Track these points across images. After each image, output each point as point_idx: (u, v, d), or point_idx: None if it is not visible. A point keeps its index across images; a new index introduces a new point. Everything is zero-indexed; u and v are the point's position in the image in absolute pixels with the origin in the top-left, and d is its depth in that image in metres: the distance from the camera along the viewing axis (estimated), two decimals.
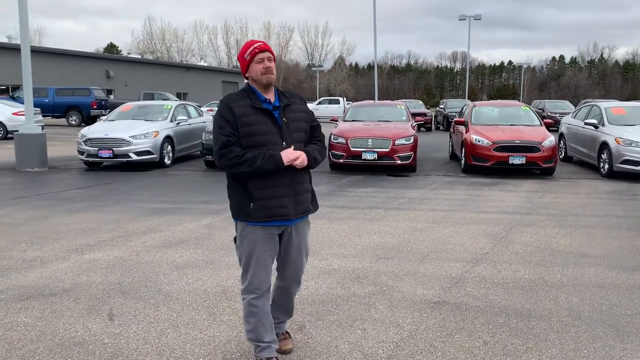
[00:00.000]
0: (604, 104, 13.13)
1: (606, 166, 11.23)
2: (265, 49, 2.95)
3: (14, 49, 33.14)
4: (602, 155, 11.45)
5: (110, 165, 12.77)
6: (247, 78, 3.03)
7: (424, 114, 27.87)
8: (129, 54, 66.03)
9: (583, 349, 3.54)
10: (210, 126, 13.04)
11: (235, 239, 3.11)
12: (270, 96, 3.02)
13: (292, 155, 2.91)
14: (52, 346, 3.53)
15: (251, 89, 3.01)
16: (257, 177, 2.91)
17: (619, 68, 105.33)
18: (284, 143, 2.94)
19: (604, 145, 11.34)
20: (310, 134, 3.17)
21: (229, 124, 2.90)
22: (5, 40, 39.37)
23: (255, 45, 2.96)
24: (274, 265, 3.17)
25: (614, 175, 11.09)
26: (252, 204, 2.94)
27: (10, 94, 30.69)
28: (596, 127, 11.97)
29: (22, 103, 18.63)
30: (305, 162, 2.98)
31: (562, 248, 5.92)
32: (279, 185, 2.95)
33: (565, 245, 6.02)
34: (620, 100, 29.70)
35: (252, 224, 2.98)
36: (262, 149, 2.88)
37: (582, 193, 9.53)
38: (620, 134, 11.01)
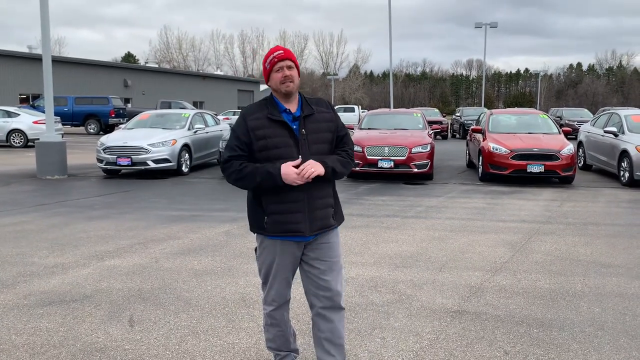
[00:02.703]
0: (623, 111, 12.97)
1: (626, 174, 11.08)
2: (284, 57, 2.83)
3: (34, 59, 33.79)
4: (622, 163, 11.31)
5: (128, 173, 12.91)
6: (270, 87, 2.92)
7: (440, 122, 27.77)
8: (146, 63, 66.86)
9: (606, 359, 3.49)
10: (227, 134, 13.14)
11: (255, 249, 3.06)
12: (292, 106, 2.89)
13: (291, 175, 2.70)
14: (74, 352, 3.57)
15: (272, 99, 2.91)
16: (271, 192, 2.82)
17: (638, 75, 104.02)
18: (300, 157, 2.78)
19: (624, 154, 11.20)
20: (336, 145, 2.97)
21: (238, 137, 2.84)
22: (26, 50, 40.12)
23: (275, 53, 2.85)
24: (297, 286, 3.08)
25: (634, 183, 10.93)
26: (266, 218, 2.86)
27: (31, 102, 31.21)
28: (616, 135, 11.83)
29: (42, 112, 18.97)
30: (320, 173, 2.75)
31: (582, 257, 5.84)
32: (293, 200, 2.81)
33: (586, 255, 5.95)
34: None
35: (270, 237, 2.90)
36: (277, 162, 2.75)
37: (602, 202, 9.42)
38: None
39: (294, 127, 2.84)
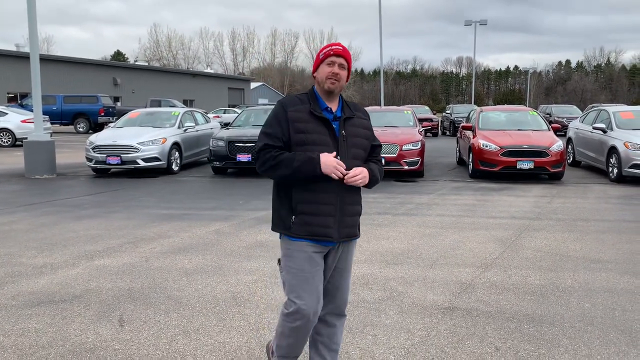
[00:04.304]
0: (612, 108, 13.08)
1: (615, 170, 11.17)
2: (340, 54, 2.74)
3: (22, 57, 33.51)
4: (611, 159, 11.40)
5: (118, 172, 12.83)
6: (315, 78, 2.83)
7: (431, 120, 27.87)
8: (135, 61, 66.53)
9: (596, 354, 3.51)
10: (217, 133, 13.09)
11: (279, 260, 2.86)
12: (333, 105, 2.81)
13: (332, 163, 2.62)
14: (63, 352, 3.53)
15: (314, 93, 2.81)
16: (303, 190, 2.69)
17: (626, 72, 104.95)
18: (339, 157, 2.69)
19: (613, 150, 11.29)
20: (371, 154, 2.90)
21: (278, 127, 2.70)
22: (14, 49, 39.73)
23: (333, 47, 2.77)
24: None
25: (623, 179, 11.03)
26: (293, 217, 2.72)
27: (19, 101, 30.92)
28: (604, 131, 11.92)
29: (31, 110, 18.79)
30: (366, 181, 2.74)
31: (572, 253, 5.88)
32: (326, 202, 2.70)
33: (575, 250, 5.98)
34: (628, 105, 29.58)
35: (297, 239, 2.73)
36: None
37: (591, 198, 9.48)
38: (629, 138, 10.96)
39: (335, 126, 2.76)
